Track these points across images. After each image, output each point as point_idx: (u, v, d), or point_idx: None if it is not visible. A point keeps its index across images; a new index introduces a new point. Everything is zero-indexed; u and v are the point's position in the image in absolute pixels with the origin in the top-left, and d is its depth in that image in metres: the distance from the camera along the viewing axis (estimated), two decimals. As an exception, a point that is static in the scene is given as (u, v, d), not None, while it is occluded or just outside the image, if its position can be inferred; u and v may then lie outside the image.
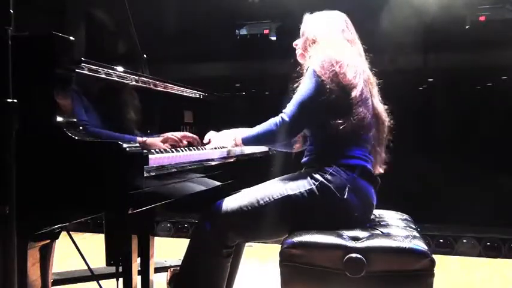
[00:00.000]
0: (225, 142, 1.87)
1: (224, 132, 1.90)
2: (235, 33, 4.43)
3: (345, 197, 1.69)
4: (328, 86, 1.71)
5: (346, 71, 1.72)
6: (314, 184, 1.71)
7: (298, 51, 1.97)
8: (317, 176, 1.72)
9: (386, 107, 1.91)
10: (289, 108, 1.76)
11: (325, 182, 1.70)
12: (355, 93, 1.73)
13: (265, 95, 4.50)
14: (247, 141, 1.84)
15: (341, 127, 1.71)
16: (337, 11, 1.97)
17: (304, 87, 1.75)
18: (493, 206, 3.78)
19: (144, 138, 1.68)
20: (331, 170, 1.72)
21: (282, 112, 1.77)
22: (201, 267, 1.75)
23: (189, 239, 1.84)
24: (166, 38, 4.22)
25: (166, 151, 1.53)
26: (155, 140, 1.73)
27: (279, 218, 1.73)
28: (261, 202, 1.73)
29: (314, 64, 1.75)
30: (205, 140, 1.90)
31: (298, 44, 1.97)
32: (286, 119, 1.75)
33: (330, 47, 1.80)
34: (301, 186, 1.73)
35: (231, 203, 1.76)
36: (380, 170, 1.87)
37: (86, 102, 1.41)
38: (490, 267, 3.49)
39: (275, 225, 1.75)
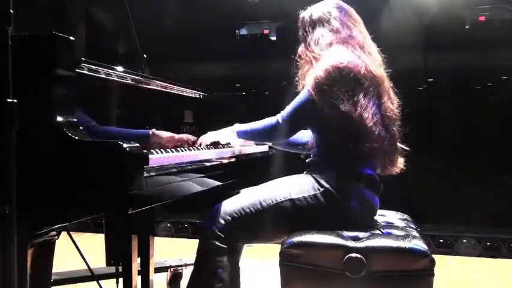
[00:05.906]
0: (225, 134, 1.90)
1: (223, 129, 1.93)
2: (235, 33, 4.43)
3: (349, 205, 1.68)
4: (328, 110, 1.66)
5: (345, 97, 1.65)
6: (319, 190, 1.70)
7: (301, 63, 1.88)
8: (322, 182, 1.70)
9: (398, 102, 1.81)
10: (285, 110, 1.77)
11: (331, 188, 1.69)
12: (358, 111, 1.65)
13: (265, 95, 4.50)
14: (241, 134, 1.87)
15: (352, 150, 1.67)
16: (324, 3, 1.88)
17: (302, 95, 1.74)
18: (493, 206, 3.79)
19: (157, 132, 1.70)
20: (337, 177, 1.70)
21: (279, 113, 1.79)
22: (205, 268, 1.74)
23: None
24: (166, 38, 4.22)
25: (166, 151, 1.53)
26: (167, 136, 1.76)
27: (281, 221, 1.72)
28: (264, 204, 1.72)
29: (309, 83, 1.70)
30: (203, 141, 1.91)
31: (300, 54, 1.89)
32: (280, 120, 1.77)
33: (324, 66, 1.69)
34: (305, 190, 1.71)
35: (233, 204, 1.75)
36: (397, 169, 1.81)
37: (85, 103, 1.41)
38: (490, 267, 3.49)
39: (277, 228, 1.75)
